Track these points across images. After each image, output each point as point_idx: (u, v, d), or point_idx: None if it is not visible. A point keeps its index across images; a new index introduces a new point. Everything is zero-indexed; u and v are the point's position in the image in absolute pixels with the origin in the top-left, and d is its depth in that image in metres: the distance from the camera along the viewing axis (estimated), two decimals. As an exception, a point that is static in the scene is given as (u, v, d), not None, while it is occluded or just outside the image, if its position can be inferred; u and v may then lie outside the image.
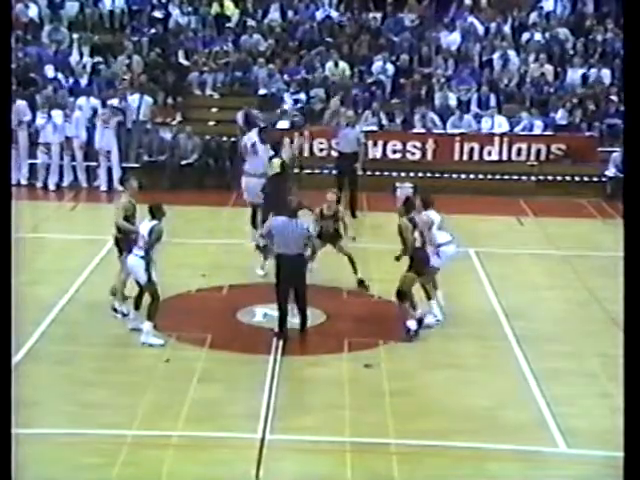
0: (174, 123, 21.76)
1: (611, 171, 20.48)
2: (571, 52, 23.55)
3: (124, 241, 12.17)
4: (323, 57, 23.39)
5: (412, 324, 11.88)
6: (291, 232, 11.77)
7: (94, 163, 20.47)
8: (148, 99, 21.46)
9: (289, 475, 8.63)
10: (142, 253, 11.43)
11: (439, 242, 12.51)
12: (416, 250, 11.93)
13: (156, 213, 11.50)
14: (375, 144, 21.30)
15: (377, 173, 20.84)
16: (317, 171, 21.00)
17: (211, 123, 22.21)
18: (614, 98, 22.03)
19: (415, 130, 21.67)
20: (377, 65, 23.13)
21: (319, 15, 24.89)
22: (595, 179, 20.40)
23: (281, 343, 11.59)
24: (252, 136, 15.65)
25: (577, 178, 20.62)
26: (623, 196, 7.16)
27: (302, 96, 22.51)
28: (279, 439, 9.13)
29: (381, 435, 9.25)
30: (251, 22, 24.60)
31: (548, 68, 22.96)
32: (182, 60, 23.52)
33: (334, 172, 19.77)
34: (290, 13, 25.05)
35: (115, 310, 12.30)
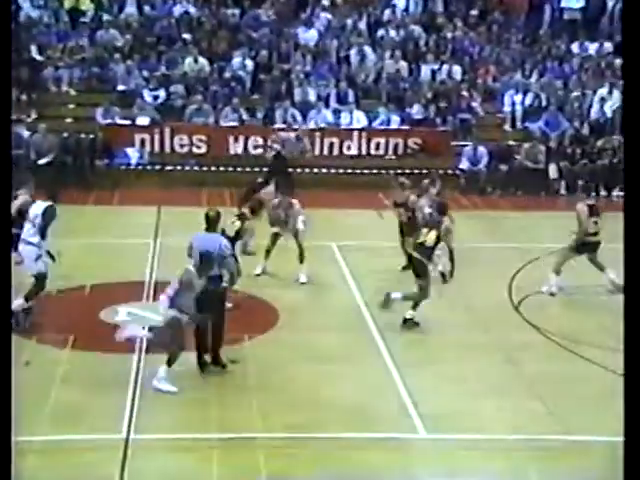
0: (29, 120, 21.19)
1: (464, 164, 21.21)
2: (424, 49, 24.22)
3: None
4: (182, 53, 23.24)
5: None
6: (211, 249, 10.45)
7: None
8: (1, 95, 20.79)
9: (154, 475, 8.58)
10: (35, 239, 11.16)
11: None
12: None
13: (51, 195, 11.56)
14: (236, 140, 21.35)
15: (239, 169, 20.89)
16: (179, 168, 20.90)
17: (68, 120, 21.74)
18: (465, 94, 22.81)
19: (276, 125, 21.82)
20: (236, 61, 23.18)
21: (177, 10, 24.72)
22: (449, 172, 21.04)
23: (145, 341, 11.51)
24: None
25: (433, 171, 21.18)
26: (624, 196, 7.25)
27: (162, 92, 22.32)
28: (144, 438, 9.07)
29: (248, 430, 9.32)
30: (107, 17, 24.20)
31: (403, 64, 23.56)
32: (35, 55, 22.91)
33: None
34: (147, 8, 24.78)
35: None
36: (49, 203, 11.55)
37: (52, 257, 11.97)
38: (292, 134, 20.75)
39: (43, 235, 11.40)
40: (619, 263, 14.57)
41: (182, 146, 21.31)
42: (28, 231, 11.51)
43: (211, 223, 10.70)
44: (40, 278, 11.59)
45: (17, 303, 11.39)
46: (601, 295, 13.85)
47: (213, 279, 10.39)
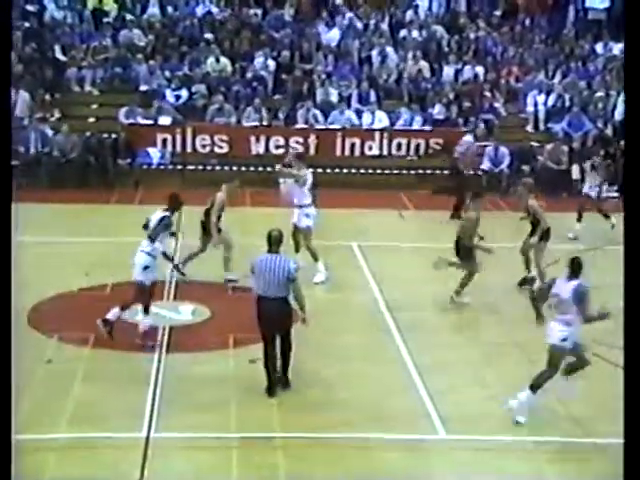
0: (52, 119, 21.34)
1: (486, 165, 21.13)
2: (446, 49, 24.17)
3: None
4: (204, 53, 23.32)
5: None
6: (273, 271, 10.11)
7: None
8: (25, 95, 20.97)
9: (174, 474, 8.62)
10: (149, 248, 11.40)
11: None
12: None
13: (172, 204, 11.77)
14: (258, 140, 21.38)
15: (260, 169, 20.92)
16: (200, 168, 20.96)
17: (91, 120, 21.86)
18: (487, 94, 22.73)
19: (297, 125, 21.84)
20: (258, 61, 23.22)
21: (199, 11, 24.82)
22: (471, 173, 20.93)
23: (165, 340, 11.57)
24: None
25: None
26: (624, 194, 7.21)
27: (184, 92, 22.39)
28: (164, 437, 9.12)
29: (267, 430, 9.34)
30: (130, 17, 24.32)
31: (425, 65, 23.51)
32: (59, 55, 23.05)
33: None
34: (170, 9, 24.88)
35: None
36: (166, 213, 11.68)
37: (168, 257, 12.22)
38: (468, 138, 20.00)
39: (154, 240, 11.51)
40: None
41: (204, 146, 21.36)
42: (145, 240, 11.57)
43: (274, 243, 10.32)
44: (141, 288, 11.52)
45: (113, 312, 11.49)
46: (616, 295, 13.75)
47: (281, 300, 10.17)
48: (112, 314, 11.50)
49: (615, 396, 10.34)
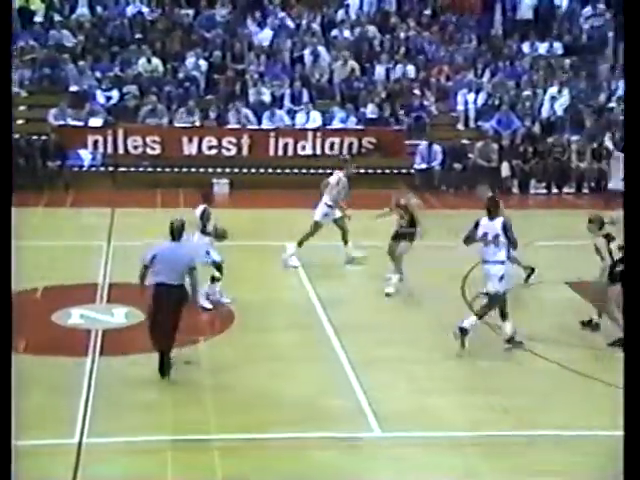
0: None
1: (418, 163, 21.35)
2: (378, 49, 24.33)
3: None
4: (135, 53, 23.10)
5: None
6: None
7: None
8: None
9: (108, 479, 8.52)
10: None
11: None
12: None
13: (205, 198, 13.01)
14: (190, 140, 21.28)
15: (193, 170, 20.83)
16: (132, 169, 20.78)
17: (20, 121, 21.50)
18: (418, 93, 22.97)
19: (230, 126, 21.79)
20: (190, 61, 23.11)
21: (130, 11, 24.58)
22: (404, 171, 21.14)
23: (99, 343, 11.45)
24: None
25: (387, 171, 21.33)
26: (624, 193, 7.20)
27: (115, 93, 22.16)
28: (97, 442, 9.00)
29: (203, 431, 9.29)
30: (58, 17, 23.98)
31: (357, 64, 23.64)
32: (-15, 56, 22.60)
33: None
34: (99, 9, 24.60)
35: None
36: (205, 205, 12.81)
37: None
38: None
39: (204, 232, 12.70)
40: (565, 260, 14.81)
41: (136, 147, 21.19)
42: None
43: (175, 233, 10.65)
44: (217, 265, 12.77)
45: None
46: (554, 291, 14.03)
47: (180, 287, 10.43)
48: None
49: (549, 390, 10.58)
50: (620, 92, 23.41)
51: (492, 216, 11.71)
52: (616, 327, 11.57)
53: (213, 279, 12.96)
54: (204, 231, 12.75)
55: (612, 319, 11.76)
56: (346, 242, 15.40)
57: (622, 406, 10.07)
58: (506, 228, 11.58)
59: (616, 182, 18.48)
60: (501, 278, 11.50)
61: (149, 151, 21.18)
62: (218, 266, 12.93)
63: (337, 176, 15.56)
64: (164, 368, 10.49)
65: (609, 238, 11.82)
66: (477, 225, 11.75)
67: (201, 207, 12.93)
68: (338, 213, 15.38)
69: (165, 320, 10.44)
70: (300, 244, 15.13)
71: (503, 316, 11.69)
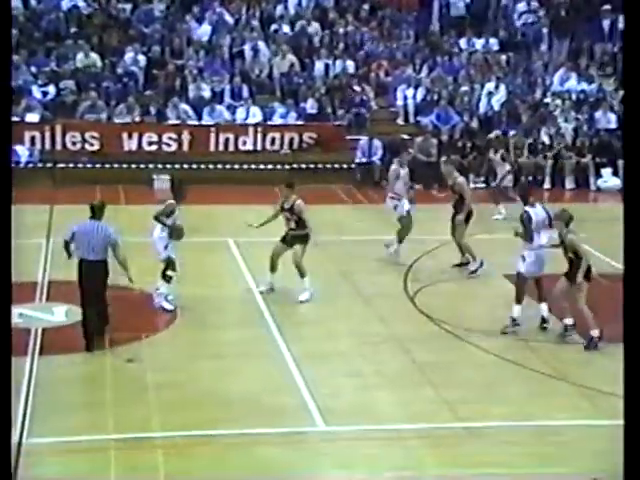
0: None
1: (359, 158, 21.46)
2: (317, 44, 24.39)
3: None
4: (72, 48, 22.82)
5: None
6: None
7: None
8: None
9: (49, 480, 8.45)
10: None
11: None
12: None
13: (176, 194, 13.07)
14: (130, 136, 21.10)
15: (133, 166, 20.67)
16: (71, 166, 20.55)
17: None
18: (358, 88, 23.08)
19: (170, 122, 21.66)
20: (129, 56, 22.89)
21: (65, 5, 24.23)
22: (345, 166, 21.25)
23: (39, 342, 11.33)
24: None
25: (328, 166, 21.42)
26: (624, 194, 7.22)
27: (51, 88, 21.87)
28: (38, 443, 8.91)
29: (146, 430, 9.26)
30: (-9, 10, 23.55)
31: (296, 59, 23.66)
32: None
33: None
34: (33, 2, 24.21)
35: None
36: (172, 201, 12.86)
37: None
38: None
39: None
40: (503, 253, 15.07)
41: (74, 143, 20.95)
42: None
43: (96, 212, 11.36)
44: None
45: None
46: (492, 283, 14.24)
47: (97, 263, 11.16)
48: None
49: (488, 382, 10.76)
50: (554, 87, 23.83)
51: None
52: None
53: (164, 276, 12.73)
54: (165, 225, 12.73)
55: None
56: (400, 240, 15.15)
57: (562, 397, 10.30)
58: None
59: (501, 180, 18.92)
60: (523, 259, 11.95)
61: (88, 147, 20.96)
62: (171, 263, 12.76)
63: (392, 167, 15.68)
64: (90, 344, 11.14)
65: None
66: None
67: (168, 201, 12.90)
68: (407, 205, 15.24)
69: (89, 296, 11.18)
70: (401, 240, 15.14)
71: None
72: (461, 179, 15.15)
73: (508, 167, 19.27)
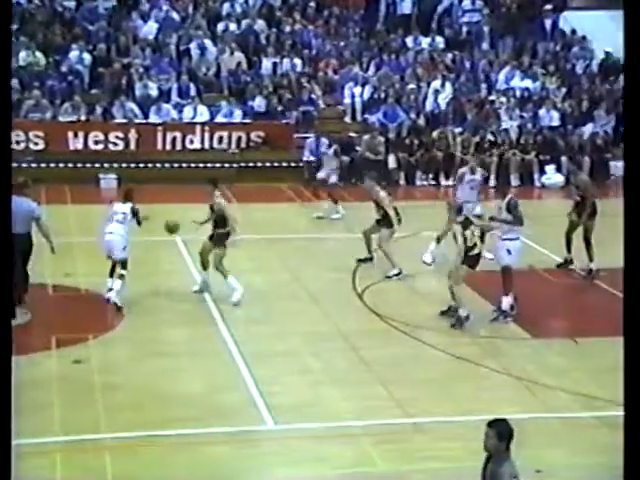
0: None
1: (307, 156, 21.50)
2: (264, 42, 24.37)
3: None
4: (16, 46, 22.50)
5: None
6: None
7: None
8: None
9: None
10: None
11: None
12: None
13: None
14: (76, 135, 20.91)
15: (79, 165, 20.49)
16: (15, 165, 20.24)
17: None
18: (306, 86, 23.12)
19: (117, 120, 21.50)
20: (74, 54, 22.66)
21: (8, 2, 23.89)
22: (293, 164, 21.28)
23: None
24: None
25: (276, 164, 21.43)
26: (624, 194, 7.25)
27: (-6, 87, 21.55)
28: (-17, 447, 8.81)
29: (93, 431, 9.20)
30: None
31: (244, 57, 23.62)
32: None
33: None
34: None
35: None
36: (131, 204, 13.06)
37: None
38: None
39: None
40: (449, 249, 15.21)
41: (18, 142, 20.67)
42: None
43: (17, 188, 11.71)
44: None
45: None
46: (437, 279, 14.38)
47: (26, 235, 12.09)
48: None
49: (435, 377, 10.87)
50: (499, 85, 24.11)
51: None
52: (457, 303, 12.45)
53: (118, 274, 12.74)
54: (139, 223, 13.08)
55: (455, 298, 12.46)
56: (438, 240, 14.97)
57: (507, 392, 10.46)
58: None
59: (325, 172, 18.96)
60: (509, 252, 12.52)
61: (32, 146, 20.72)
62: (125, 262, 12.78)
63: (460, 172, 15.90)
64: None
65: (465, 224, 12.31)
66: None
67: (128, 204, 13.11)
68: (478, 209, 15.08)
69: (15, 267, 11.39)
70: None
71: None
72: (382, 194, 14.91)
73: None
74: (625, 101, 12.79)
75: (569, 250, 14.95)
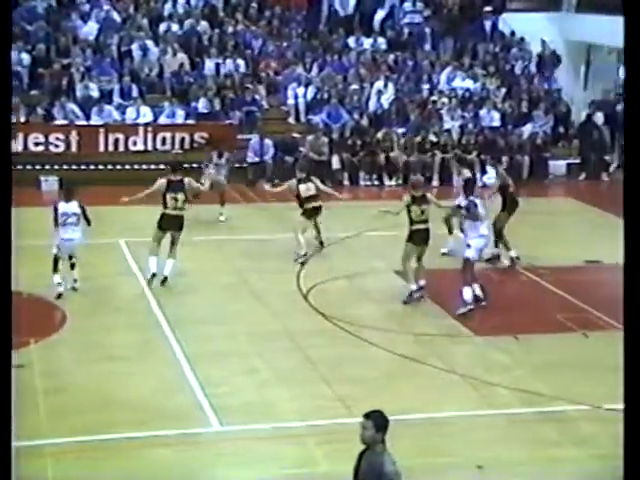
0: None
1: (251, 157, 21.48)
2: (207, 43, 24.28)
3: None
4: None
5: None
6: None
7: None
8: None
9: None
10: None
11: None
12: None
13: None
14: (15, 137, 20.60)
15: (19, 167, 20.17)
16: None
17: None
18: (249, 87, 23.10)
19: (57, 122, 21.25)
20: (12, 55, 22.28)
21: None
22: (237, 165, 21.23)
23: None
24: None
25: (220, 165, 21.29)
26: (623, 194, 7.25)
27: None
28: None
29: (35, 437, 9.09)
30: None
31: (186, 58, 23.51)
32: None
33: None
34: None
35: None
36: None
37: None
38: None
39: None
40: (394, 249, 15.36)
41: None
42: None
43: None
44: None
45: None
46: (382, 279, 14.49)
47: None
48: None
49: (380, 376, 10.95)
50: (441, 86, 24.34)
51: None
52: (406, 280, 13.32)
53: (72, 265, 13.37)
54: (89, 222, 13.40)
55: (403, 273, 13.42)
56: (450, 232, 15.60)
57: (451, 389, 10.58)
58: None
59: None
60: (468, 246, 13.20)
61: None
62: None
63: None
64: None
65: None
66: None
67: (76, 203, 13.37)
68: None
69: None
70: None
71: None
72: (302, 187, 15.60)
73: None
74: (625, 101, 13.03)
75: (497, 245, 15.38)
